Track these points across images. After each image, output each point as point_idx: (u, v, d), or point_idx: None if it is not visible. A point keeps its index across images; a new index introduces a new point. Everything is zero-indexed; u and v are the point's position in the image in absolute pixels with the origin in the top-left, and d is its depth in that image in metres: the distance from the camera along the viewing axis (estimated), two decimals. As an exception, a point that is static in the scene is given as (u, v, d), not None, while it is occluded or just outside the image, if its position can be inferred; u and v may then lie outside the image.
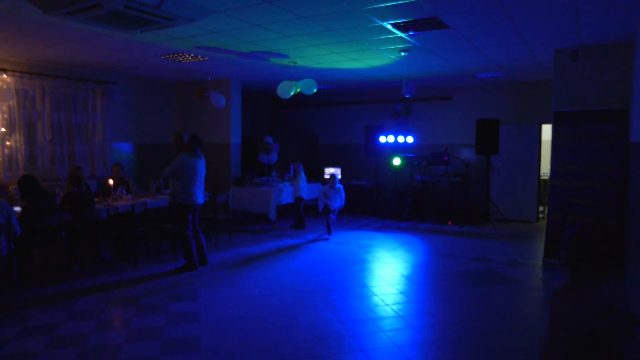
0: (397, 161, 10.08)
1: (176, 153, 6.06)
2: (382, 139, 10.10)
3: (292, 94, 7.65)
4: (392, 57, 6.96)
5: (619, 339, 2.83)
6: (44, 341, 3.92)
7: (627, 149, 5.76)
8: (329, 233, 8.26)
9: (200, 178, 6.06)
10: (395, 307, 4.74)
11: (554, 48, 6.42)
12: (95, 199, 6.23)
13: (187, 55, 6.96)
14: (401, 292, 5.22)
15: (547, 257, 6.43)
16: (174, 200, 5.95)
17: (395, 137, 10.21)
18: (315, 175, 10.97)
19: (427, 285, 5.50)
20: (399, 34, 5.56)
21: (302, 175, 8.99)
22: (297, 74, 8.06)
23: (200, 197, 6.08)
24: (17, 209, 5.47)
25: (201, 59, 7.18)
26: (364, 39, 5.89)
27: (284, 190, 8.84)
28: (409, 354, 3.70)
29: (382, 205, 10.42)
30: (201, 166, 6.06)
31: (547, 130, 9.69)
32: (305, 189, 9.00)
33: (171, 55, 6.95)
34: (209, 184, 9.37)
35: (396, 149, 10.74)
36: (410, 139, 10.45)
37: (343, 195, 8.40)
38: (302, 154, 11.25)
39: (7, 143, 7.18)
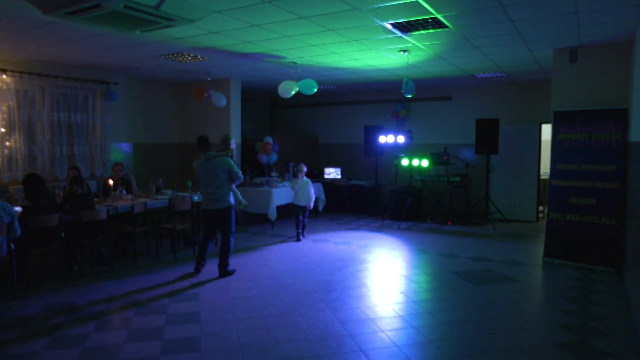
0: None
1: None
2: (382, 139, 10.10)
3: (293, 93, 7.65)
4: (392, 57, 6.97)
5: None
6: (44, 341, 3.92)
7: (627, 149, 5.76)
8: None
9: (208, 183, 5.66)
10: (395, 307, 4.74)
11: (554, 48, 6.42)
12: (95, 199, 6.24)
13: (187, 55, 6.96)
14: (401, 292, 5.22)
15: (547, 257, 6.43)
16: None
17: (395, 137, 10.21)
18: (315, 175, 10.96)
19: (427, 285, 5.50)
20: (399, 34, 5.56)
21: (306, 179, 7.99)
22: (297, 74, 8.06)
23: (208, 203, 5.71)
24: (18, 209, 5.47)
25: (201, 59, 7.18)
26: (363, 39, 5.89)
27: (284, 190, 8.84)
28: (409, 354, 3.70)
29: (382, 205, 10.42)
30: (208, 170, 5.65)
31: (547, 130, 9.70)
32: (312, 194, 7.97)
33: (171, 55, 6.95)
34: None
35: (396, 148, 10.75)
36: (410, 139, 10.45)
37: None
38: (302, 154, 11.25)
39: (7, 143, 7.18)
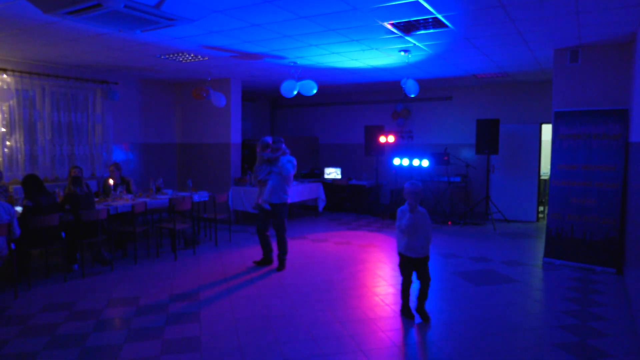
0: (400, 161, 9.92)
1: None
2: (382, 139, 10.09)
3: (295, 93, 7.65)
4: (393, 57, 6.97)
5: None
6: (44, 341, 3.92)
7: (627, 149, 5.76)
8: None
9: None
10: (395, 307, 4.74)
11: (554, 48, 6.42)
12: (96, 199, 6.24)
13: (187, 55, 6.95)
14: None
15: (548, 257, 6.43)
16: None
17: (396, 137, 10.18)
18: (316, 175, 10.97)
19: (427, 285, 5.49)
20: (399, 34, 5.56)
21: (421, 209, 4.46)
22: (297, 73, 8.05)
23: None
24: (18, 208, 5.47)
25: (201, 59, 7.18)
26: (364, 39, 5.89)
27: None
28: (409, 354, 3.70)
29: (382, 205, 10.41)
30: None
31: (547, 130, 9.69)
32: (430, 233, 4.64)
33: (171, 55, 6.95)
34: (209, 184, 9.40)
35: (396, 148, 10.74)
36: (410, 139, 10.42)
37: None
38: (302, 154, 11.25)
39: (7, 143, 7.18)
